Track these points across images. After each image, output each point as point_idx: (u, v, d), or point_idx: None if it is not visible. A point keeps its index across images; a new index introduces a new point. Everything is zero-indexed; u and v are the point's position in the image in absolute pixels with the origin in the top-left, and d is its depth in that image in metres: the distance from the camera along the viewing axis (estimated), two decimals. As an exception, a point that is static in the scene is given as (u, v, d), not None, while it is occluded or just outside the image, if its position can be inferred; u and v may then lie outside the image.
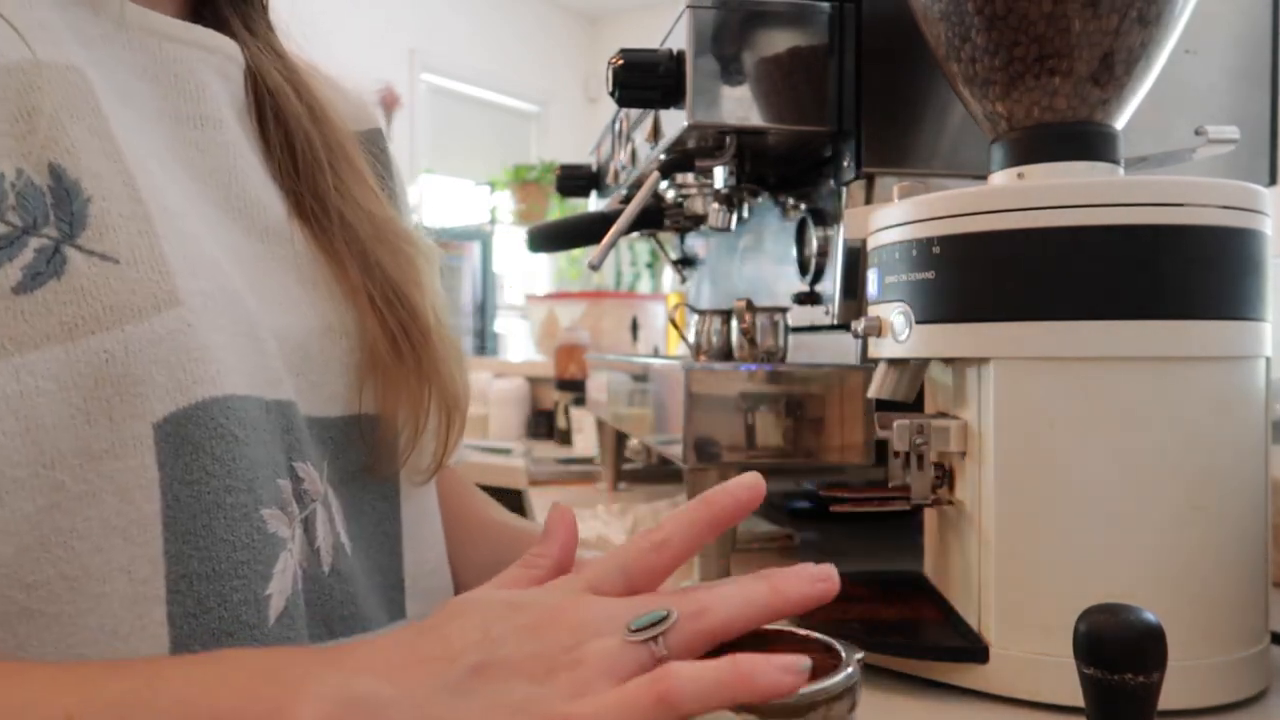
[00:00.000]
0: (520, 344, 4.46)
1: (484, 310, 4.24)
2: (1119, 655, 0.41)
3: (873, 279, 0.66)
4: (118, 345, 0.39)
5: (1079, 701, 0.55)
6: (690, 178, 1.11)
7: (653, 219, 1.14)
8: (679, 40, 0.84)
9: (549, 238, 1.22)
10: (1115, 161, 0.61)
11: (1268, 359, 0.59)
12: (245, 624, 0.40)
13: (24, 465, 0.36)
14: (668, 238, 1.44)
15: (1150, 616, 0.41)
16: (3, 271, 0.37)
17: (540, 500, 1.31)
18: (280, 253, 0.49)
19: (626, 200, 1.14)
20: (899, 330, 0.62)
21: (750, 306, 0.90)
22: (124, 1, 0.46)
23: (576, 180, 1.40)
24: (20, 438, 0.36)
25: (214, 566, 0.40)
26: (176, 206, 0.43)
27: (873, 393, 0.66)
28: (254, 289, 0.45)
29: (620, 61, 0.86)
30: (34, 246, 0.38)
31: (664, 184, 1.11)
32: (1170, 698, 0.43)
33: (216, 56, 0.50)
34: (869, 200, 0.82)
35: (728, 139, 0.90)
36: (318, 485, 0.47)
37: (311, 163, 0.53)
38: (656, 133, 0.97)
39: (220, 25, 0.53)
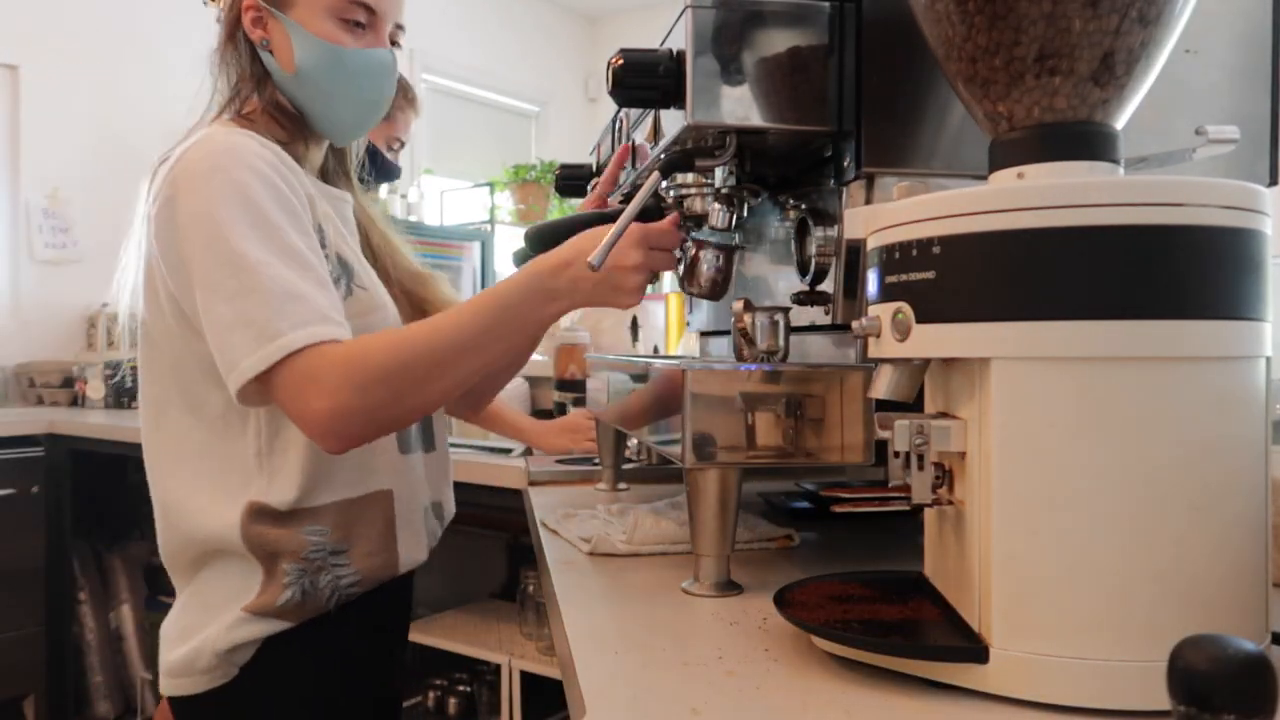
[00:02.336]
0: (520, 344, 4.45)
1: (484, 310, 4.22)
2: (1218, 692, 0.36)
3: (873, 279, 0.66)
4: (370, 320, 0.99)
5: (1079, 701, 0.55)
6: (690, 177, 1.11)
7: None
8: (679, 40, 0.84)
9: (548, 238, 1.22)
10: (1115, 161, 0.61)
11: (1268, 359, 0.59)
12: (408, 434, 1.10)
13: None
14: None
15: (1252, 647, 0.37)
16: (339, 289, 0.96)
17: (540, 500, 1.31)
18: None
19: (626, 200, 1.14)
20: (899, 330, 0.62)
21: (750, 306, 0.90)
22: (319, 182, 1.07)
23: (576, 180, 1.40)
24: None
25: None
26: (368, 269, 1.08)
27: (873, 393, 0.66)
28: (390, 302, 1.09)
29: (620, 61, 0.86)
30: (343, 284, 0.99)
31: (664, 184, 1.11)
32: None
33: (347, 203, 1.11)
34: (869, 200, 0.82)
35: (728, 139, 0.90)
36: None
37: (380, 243, 1.16)
38: (656, 133, 0.97)
39: (346, 181, 1.17)
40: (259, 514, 0.94)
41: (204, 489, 0.97)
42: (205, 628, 0.95)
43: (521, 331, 0.91)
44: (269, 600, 0.94)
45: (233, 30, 1.05)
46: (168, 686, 0.98)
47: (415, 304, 1.13)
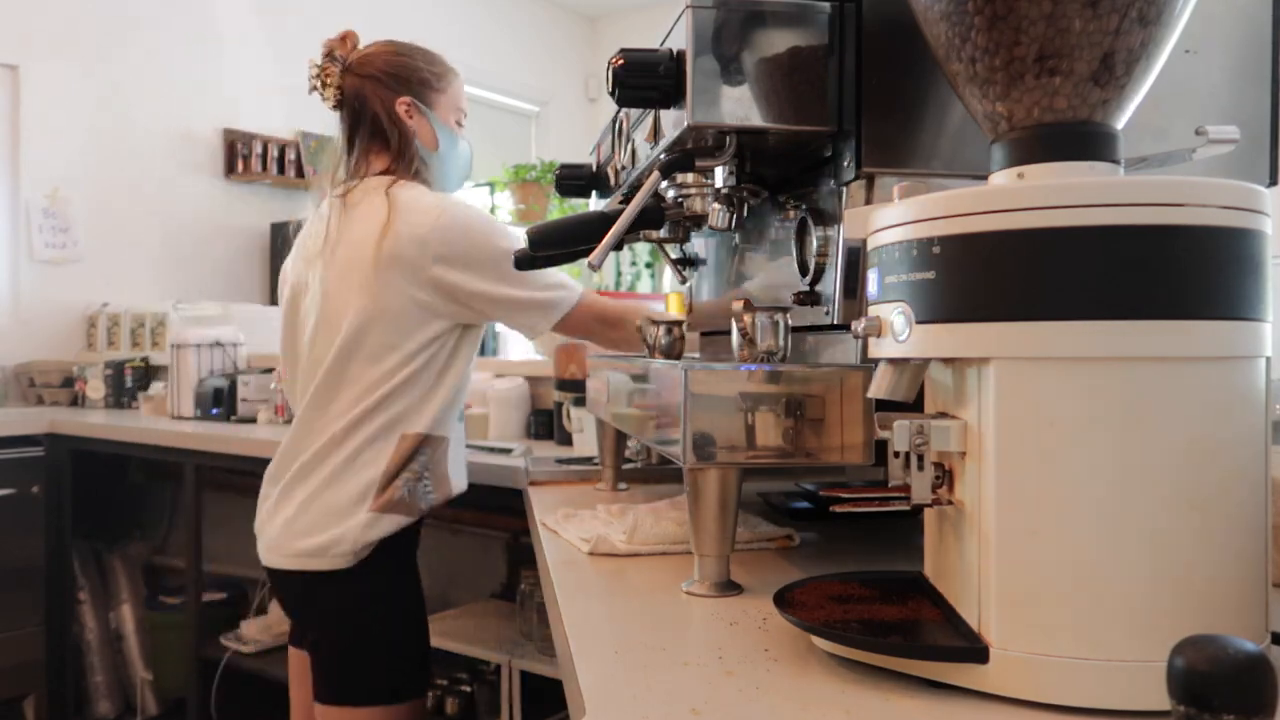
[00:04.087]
0: (520, 344, 4.46)
1: (484, 310, 4.23)
2: (1217, 692, 0.36)
3: (873, 279, 0.66)
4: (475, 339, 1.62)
5: (1079, 701, 0.55)
6: (690, 178, 1.11)
7: (653, 219, 1.14)
8: (679, 40, 0.84)
9: (549, 238, 1.22)
10: (1115, 161, 0.61)
11: (1268, 359, 0.59)
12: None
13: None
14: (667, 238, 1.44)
15: (1252, 647, 0.37)
16: None
17: (540, 500, 1.31)
18: None
19: (626, 200, 1.14)
20: (899, 330, 0.62)
21: (750, 306, 0.90)
22: None
23: (576, 180, 1.40)
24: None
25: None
26: None
27: (873, 393, 0.66)
28: None
29: (620, 61, 0.86)
30: None
31: (664, 184, 1.11)
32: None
33: None
34: (869, 200, 0.82)
35: (728, 139, 0.90)
36: None
37: None
38: (656, 133, 0.97)
39: None
40: (405, 443, 1.46)
41: (377, 428, 1.46)
42: (343, 522, 1.43)
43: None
44: (389, 498, 1.44)
45: (378, 119, 1.55)
46: (303, 564, 1.44)
47: None
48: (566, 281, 1.52)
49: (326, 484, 1.45)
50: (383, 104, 1.54)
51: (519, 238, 1.35)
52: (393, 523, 1.44)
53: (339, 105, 1.57)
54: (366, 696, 1.45)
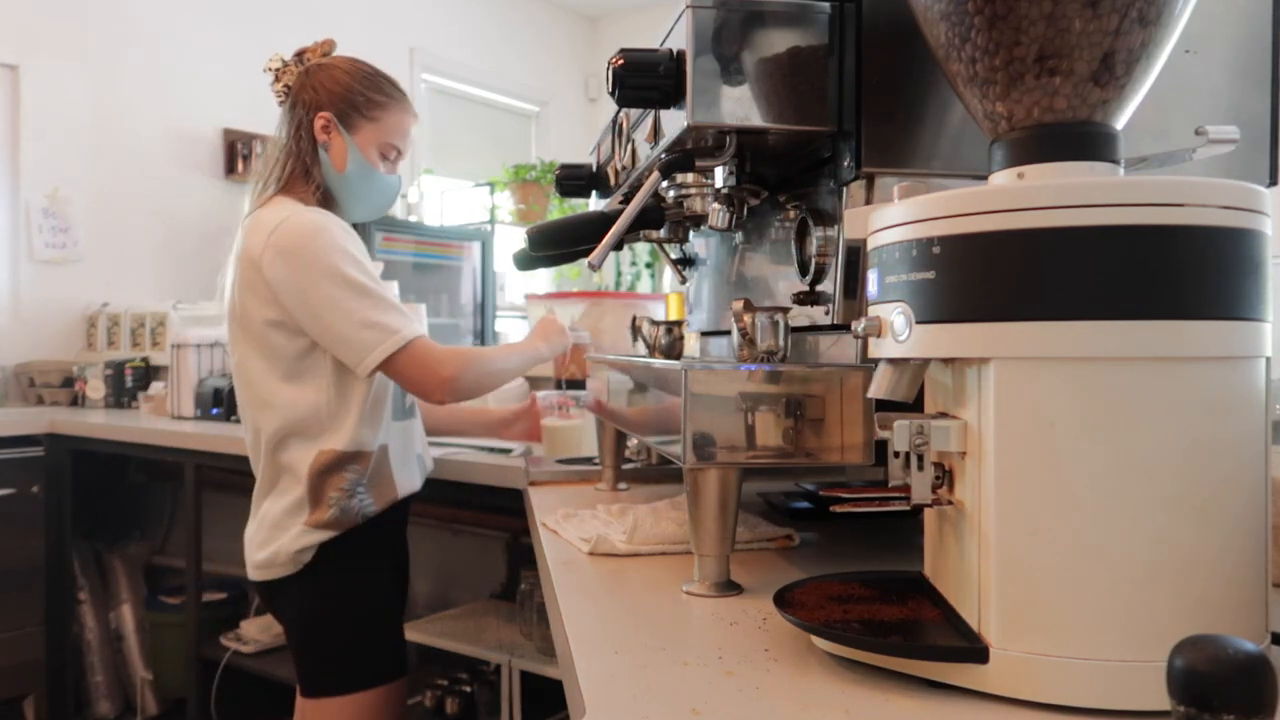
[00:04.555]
0: (520, 344, 4.45)
1: (484, 310, 4.23)
2: (1217, 692, 0.36)
3: (873, 279, 0.66)
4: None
5: (1079, 701, 0.55)
6: (690, 178, 1.11)
7: (653, 219, 1.14)
8: (679, 40, 0.84)
9: (549, 238, 1.22)
10: (1115, 161, 0.61)
11: (1268, 359, 0.59)
12: (403, 406, 1.61)
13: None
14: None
15: (1252, 647, 0.37)
16: None
17: (540, 500, 1.31)
18: None
19: (626, 200, 1.14)
20: (899, 330, 0.62)
21: (750, 306, 0.90)
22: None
23: (576, 180, 1.40)
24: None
25: (400, 391, 1.60)
26: None
27: (873, 393, 0.66)
28: None
29: (620, 61, 0.86)
30: None
31: (664, 184, 1.11)
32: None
33: None
34: (869, 200, 0.82)
35: (728, 139, 0.90)
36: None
37: None
38: (656, 133, 0.97)
39: None
40: (323, 458, 1.46)
41: (299, 439, 1.48)
42: (281, 535, 1.47)
43: (526, 368, 1.60)
44: (320, 517, 1.46)
45: (299, 128, 1.52)
46: (258, 575, 1.51)
47: None
48: (391, 324, 1.41)
49: (269, 500, 1.52)
50: (308, 113, 1.52)
51: (356, 264, 1.41)
52: (321, 536, 1.47)
53: (283, 103, 1.56)
54: (337, 687, 1.51)
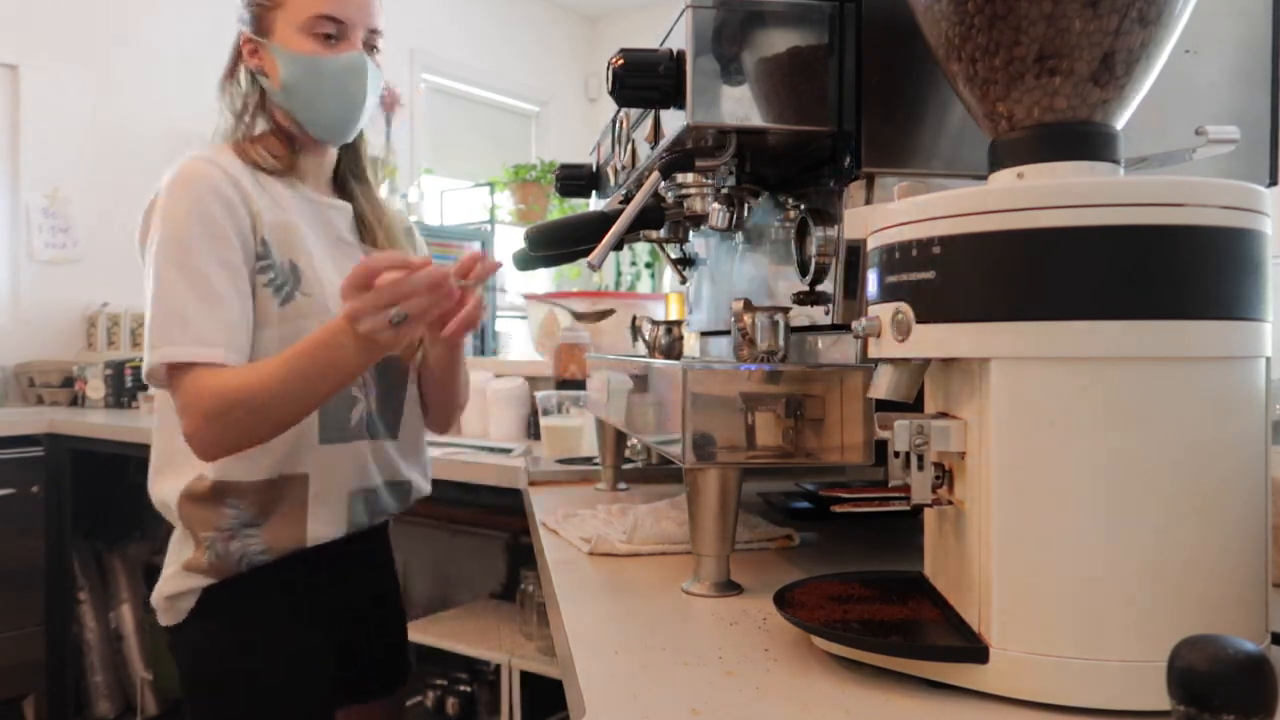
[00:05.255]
0: (520, 344, 4.46)
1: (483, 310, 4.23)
2: (1217, 692, 0.36)
3: (873, 279, 0.66)
4: (307, 324, 1.14)
5: (1079, 701, 0.55)
6: (690, 178, 1.11)
7: (653, 219, 1.14)
8: (679, 40, 0.84)
9: (548, 238, 1.22)
10: (1115, 161, 0.61)
11: (1268, 359, 0.59)
12: (345, 424, 1.21)
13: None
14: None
15: (1252, 647, 0.37)
16: (278, 295, 1.16)
17: (540, 500, 1.30)
18: None
19: (626, 200, 1.14)
20: (899, 330, 0.62)
21: (750, 306, 0.90)
22: (306, 190, 1.25)
23: (576, 180, 1.40)
24: (275, 350, 1.10)
25: (336, 403, 1.17)
26: (327, 274, 1.20)
27: (873, 393, 0.66)
28: None
29: (620, 61, 0.86)
30: (286, 289, 1.16)
31: (664, 184, 1.11)
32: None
33: (340, 210, 1.29)
34: (869, 200, 0.82)
35: (728, 139, 0.90)
36: (366, 377, 1.22)
37: (382, 246, 1.29)
38: (656, 133, 0.97)
39: (344, 190, 1.32)
40: (192, 489, 1.17)
41: (163, 465, 1.22)
42: (161, 580, 1.21)
43: (326, 381, 1.08)
44: (196, 559, 1.17)
45: (234, 65, 1.26)
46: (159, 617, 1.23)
47: None
48: (184, 336, 1.07)
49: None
50: (235, 53, 1.27)
51: (217, 242, 1.10)
52: (194, 582, 1.17)
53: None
54: None
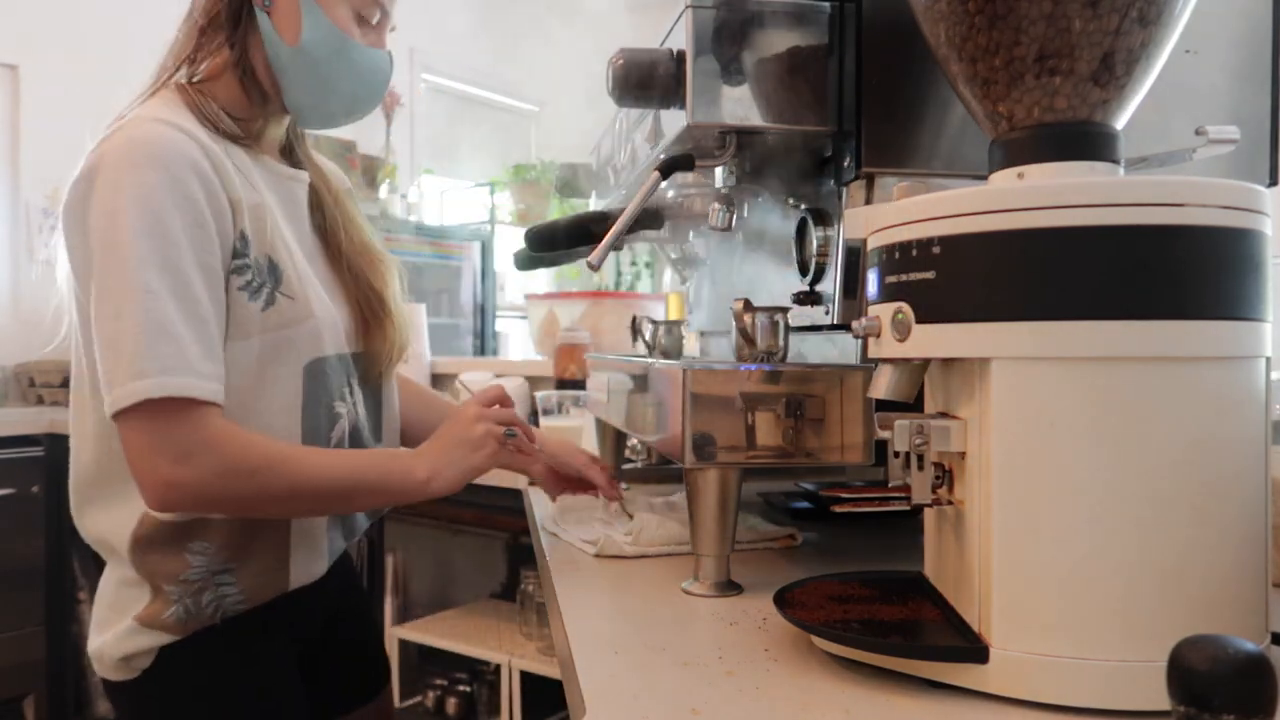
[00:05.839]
0: (520, 344, 4.46)
1: (484, 310, 4.23)
2: (1217, 692, 0.36)
3: (873, 279, 0.66)
4: (292, 332, 0.94)
5: (1079, 701, 0.55)
6: (690, 178, 1.11)
7: (653, 219, 1.14)
8: (679, 40, 0.84)
9: (548, 238, 1.22)
10: (1115, 161, 0.61)
11: (1268, 359, 0.59)
12: (326, 443, 0.99)
13: (249, 374, 0.91)
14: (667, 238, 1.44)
15: (1252, 647, 0.37)
16: (257, 300, 0.92)
17: (541, 500, 1.30)
18: (324, 277, 1.03)
19: (626, 200, 1.14)
20: (899, 330, 0.62)
21: (750, 306, 0.90)
22: (266, 159, 1.01)
23: (576, 180, 1.40)
24: (254, 364, 0.92)
25: (316, 424, 0.97)
26: (304, 268, 0.98)
27: (873, 393, 0.66)
28: (327, 301, 1.00)
29: (620, 61, 0.86)
30: (265, 291, 0.93)
31: (664, 184, 1.11)
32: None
33: (301, 182, 1.05)
34: (869, 200, 0.82)
35: (728, 139, 0.90)
36: (354, 388, 1.04)
37: (333, 220, 1.07)
38: (656, 133, 0.97)
39: (292, 156, 1.09)
40: (145, 528, 0.91)
41: (103, 494, 0.94)
42: (109, 628, 0.94)
43: (376, 501, 0.97)
44: (156, 612, 0.92)
45: None
46: (96, 667, 0.97)
47: (363, 288, 1.05)
48: (136, 373, 0.81)
49: (106, 569, 0.99)
50: None
51: (193, 241, 0.86)
52: (155, 640, 0.93)
53: None
54: None
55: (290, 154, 1.08)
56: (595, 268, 0.95)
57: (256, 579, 0.96)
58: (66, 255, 0.90)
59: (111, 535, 0.93)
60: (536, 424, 2.23)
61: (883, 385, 0.65)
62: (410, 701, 2.34)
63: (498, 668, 2.08)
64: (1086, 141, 0.61)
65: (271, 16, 0.96)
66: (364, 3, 0.99)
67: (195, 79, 0.99)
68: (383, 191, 3.77)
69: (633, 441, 1.47)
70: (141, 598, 0.93)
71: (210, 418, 0.84)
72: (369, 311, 1.05)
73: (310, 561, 1.00)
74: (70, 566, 2.85)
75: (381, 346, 1.05)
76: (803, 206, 0.94)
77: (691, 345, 1.40)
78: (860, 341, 0.68)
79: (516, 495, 1.54)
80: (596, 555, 0.97)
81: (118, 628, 0.93)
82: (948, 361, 0.62)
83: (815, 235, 0.90)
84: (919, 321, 0.60)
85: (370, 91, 1.04)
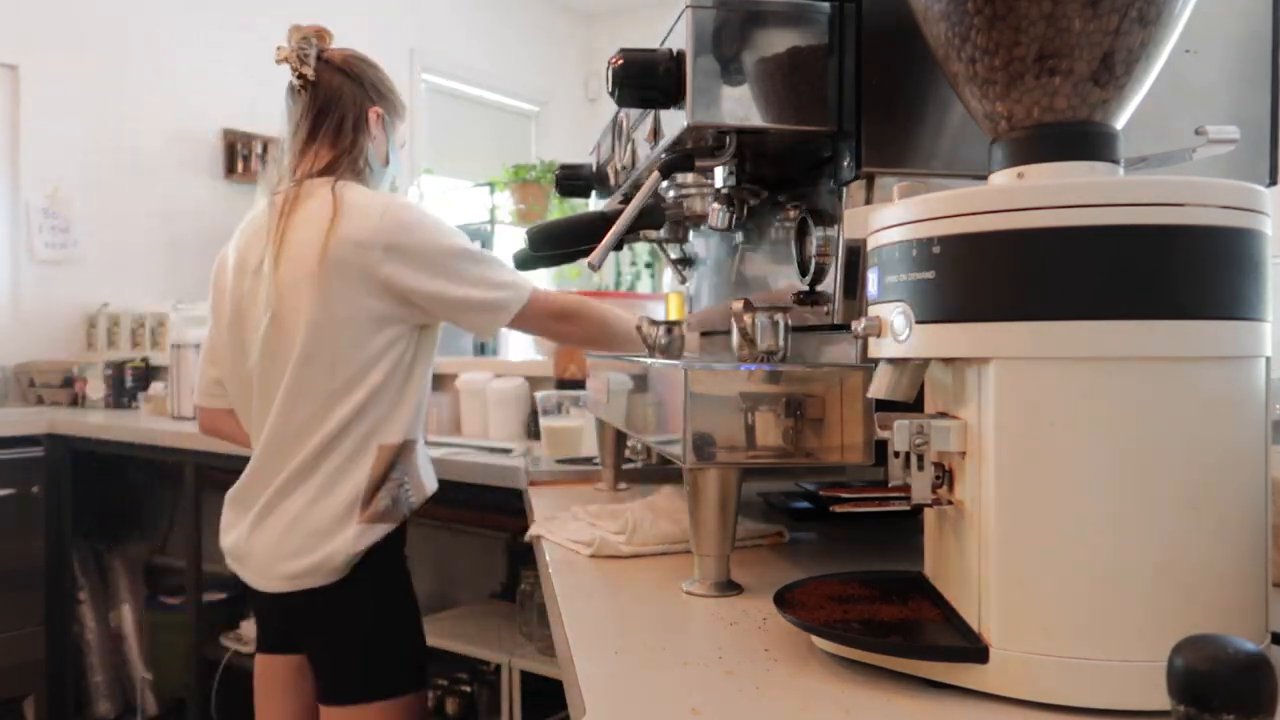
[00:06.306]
0: (520, 344, 4.46)
1: (484, 310, 4.22)
2: (1217, 692, 0.36)
3: (873, 279, 0.66)
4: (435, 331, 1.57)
5: (1079, 701, 0.55)
6: (690, 178, 1.11)
7: (653, 219, 1.14)
8: (679, 40, 0.84)
9: (548, 238, 1.22)
10: (1115, 161, 0.61)
11: (1268, 359, 0.59)
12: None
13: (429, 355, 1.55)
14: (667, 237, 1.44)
15: (1252, 647, 0.37)
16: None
17: (541, 500, 1.30)
18: None
19: (626, 200, 1.14)
20: (899, 330, 0.62)
21: (750, 306, 0.90)
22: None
23: (576, 180, 1.40)
24: (434, 346, 1.58)
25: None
26: None
27: (873, 393, 0.66)
28: None
29: (620, 61, 0.86)
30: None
31: (664, 184, 1.11)
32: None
33: None
34: (869, 200, 0.82)
35: (728, 139, 0.90)
36: None
37: None
38: (656, 133, 0.97)
39: None
40: (388, 452, 1.45)
41: (387, 424, 1.47)
42: (333, 537, 1.42)
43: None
44: (375, 510, 1.44)
45: (347, 119, 1.53)
46: (291, 585, 1.43)
47: None
48: (516, 280, 1.48)
49: (311, 503, 1.43)
50: (355, 106, 1.53)
51: (462, 235, 1.46)
52: (381, 531, 1.44)
53: (304, 89, 1.52)
54: (371, 694, 1.47)
55: None
56: (595, 268, 0.96)
57: (416, 487, 1.51)
58: (373, 288, 1.41)
59: (359, 459, 1.43)
60: (537, 424, 2.24)
61: (883, 385, 0.65)
62: (410, 701, 2.33)
63: (498, 668, 2.08)
64: (1086, 141, 0.61)
65: (374, 145, 1.56)
66: (401, 139, 1.63)
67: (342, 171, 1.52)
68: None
69: (633, 441, 1.47)
70: (354, 510, 1.43)
71: (545, 293, 1.56)
72: None
73: (430, 476, 1.56)
74: (70, 566, 2.85)
75: None
76: (803, 206, 0.94)
77: (691, 345, 1.39)
78: (860, 341, 0.68)
79: (516, 495, 1.54)
80: (592, 556, 0.97)
81: (343, 535, 1.42)
82: (948, 361, 0.63)
83: (815, 235, 0.90)
84: (919, 321, 0.60)
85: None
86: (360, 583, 1.46)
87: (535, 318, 1.51)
